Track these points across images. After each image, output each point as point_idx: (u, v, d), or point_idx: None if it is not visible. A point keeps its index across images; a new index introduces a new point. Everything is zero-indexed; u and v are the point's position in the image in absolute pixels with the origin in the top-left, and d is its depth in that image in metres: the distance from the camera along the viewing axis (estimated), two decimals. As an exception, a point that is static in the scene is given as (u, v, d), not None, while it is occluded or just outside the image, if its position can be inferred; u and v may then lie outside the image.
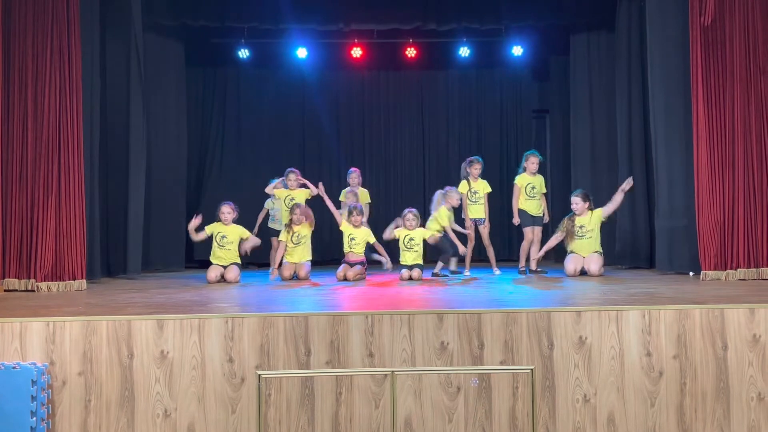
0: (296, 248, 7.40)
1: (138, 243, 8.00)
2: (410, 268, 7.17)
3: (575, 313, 4.32)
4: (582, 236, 7.34)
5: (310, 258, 7.54)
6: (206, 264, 7.67)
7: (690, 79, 6.76)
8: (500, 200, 8.93)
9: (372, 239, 7.41)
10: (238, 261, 7.29)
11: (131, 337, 4.22)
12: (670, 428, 4.27)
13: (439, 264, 7.46)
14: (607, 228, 8.71)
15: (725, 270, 6.58)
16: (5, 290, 6.33)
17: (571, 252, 7.42)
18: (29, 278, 6.37)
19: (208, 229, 7.32)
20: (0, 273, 6.33)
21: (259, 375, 4.22)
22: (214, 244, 7.28)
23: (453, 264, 7.63)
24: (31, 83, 6.43)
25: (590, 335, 4.30)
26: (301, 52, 9.74)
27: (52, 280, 6.37)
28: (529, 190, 7.82)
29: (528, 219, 7.85)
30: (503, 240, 10.02)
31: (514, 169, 10.37)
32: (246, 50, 9.68)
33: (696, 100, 6.68)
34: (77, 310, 4.82)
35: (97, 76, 7.27)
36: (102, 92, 7.46)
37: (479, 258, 8.37)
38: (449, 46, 10.02)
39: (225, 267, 7.18)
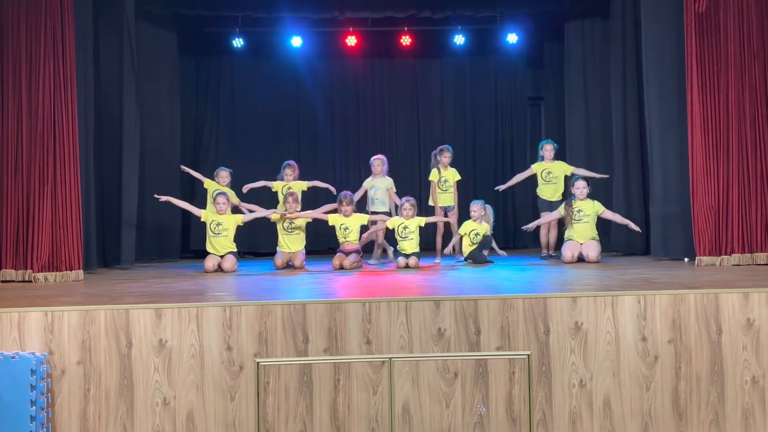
0: (290, 237, 7.40)
1: (133, 233, 8.00)
2: (407, 256, 7.20)
3: (571, 299, 4.35)
4: (579, 220, 7.36)
5: (304, 247, 7.55)
6: (202, 254, 7.67)
7: (684, 66, 6.78)
8: (494, 187, 8.94)
9: (365, 220, 7.47)
10: (234, 249, 7.29)
11: (129, 326, 4.23)
12: (665, 412, 4.31)
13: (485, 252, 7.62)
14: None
15: (720, 255, 6.62)
16: (2, 281, 6.33)
17: (569, 239, 7.45)
18: (26, 269, 6.37)
19: (204, 215, 7.31)
20: (-3, 264, 6.34)
21: (258, 363, 4.24)
22: (209, 232, 7.25)
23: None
24: (24, 74, 6.40)
25: (586, 321, 4.33)
26: (296, 41, 9.71)
27: (48, 271, 6.37)
28: (545, 175, 7.99)
29: (545, 204, 7.93)
30: (507, 228, 10.07)
31: (509, 156, 10.46)
32: (240, 39, 9.65)
33: (690, 86, 6.71)
34: (75, 299, 4.83)
35: (91, 67, 7.25)
36: (96, 82, 7.43)
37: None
38: (444, 33, 10.01)
39: (221, 256, 7.18)
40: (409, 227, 7.27)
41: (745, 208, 6.66)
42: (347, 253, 7.30)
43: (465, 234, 7.53)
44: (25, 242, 6.39)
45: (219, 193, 7.36)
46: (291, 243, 7.42)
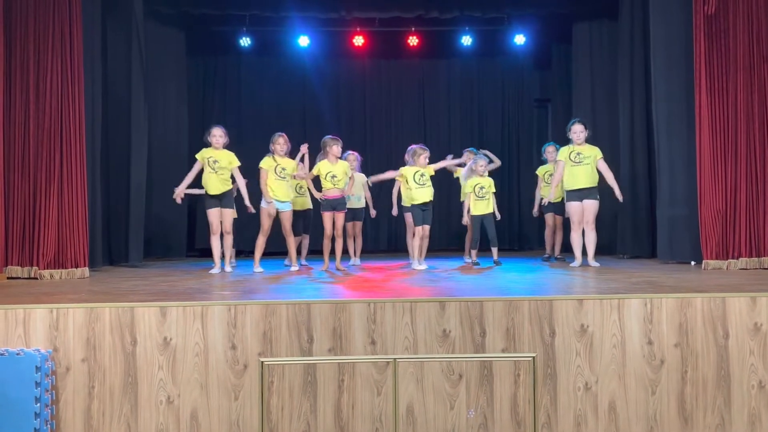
0: (280, 183, 7.02)
1: (139, 231, 8.02)
2: (424, 206, 7.12)
3: (577, 301, 4.32)
4: (579, 162, 7.04)
5: (291, 199, 7.17)
6: (207, 252, 7.65)
7: (693, 68, 6.75)
8: (501, 189, 8.95)
9: (347, 168, 7.13)
10: (230, 187, 6.95)
11: (134, 324, 4.23)
12: (670, 416, 4.29)
13: (495, 250, 7.49)
14: (609, 217, 8.74)
15: (727, 259, 6.59)
16: (8, 278, 6.35)
17: (568, 190, 7.10)
18: (32, 266, 6.40)
19: (199, 156, 6.90)
20: (3, 261, 6.36)
21: (262, 362, 4.23)
22: (207, 169, 6.85)
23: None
24: (32, 71, 6.43)
25: (592, 323, 4.31)
26: (303, 41, 9.73)
27: (54, 268, 6.39)
28: (547, 178, 7.97)
29: (549, 205, 7.86)
30: (512, 231, 10.05)
31: (516, 157, 10.44)
32: (247, 38, 9.67)
33: (699, 88, 6.68)
34: (80, 297, 4.83)
35: (99, 64, 7.27)
36: (103, 80, 7.46)
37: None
38: (451, 34, 10.00)
39: (220, 199, 6.87)
40: (425, 174, 7.18)
41: (753, 211, 6.63)
42: (332, 204, 6.99)
43: (471, 190, 7.45)
44: (31, 239, 6.41)
45: (215, 126, 6.98)
46: (280, 190, 7.01)
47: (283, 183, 7.06)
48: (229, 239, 7.01)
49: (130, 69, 7.90)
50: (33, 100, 6.42)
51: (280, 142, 7.10)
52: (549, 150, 8.08)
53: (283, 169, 7.06)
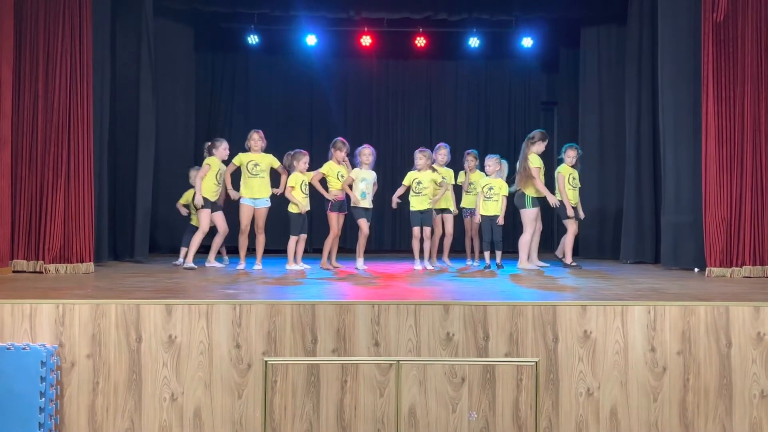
0: (254, 180, 7.00)
1: (145, 227, 8.04)
2: (421, 213, 7.16)
3: (581, 307, 4.34)
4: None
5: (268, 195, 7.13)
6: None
7: (700, 75, 6.75)
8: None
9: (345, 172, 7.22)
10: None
11: (140, 321, 4.26)
12: (672, 423, 4.30)
13: (499, 254, 7.40)
14: (613, 223, 8.74)
15: (730, 267, 6.59)
16: (13, 271, 6.38)
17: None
18: (37, 260, 6.42)
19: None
20: (9, 254, 6.39)
21: (266, 361, 4.25)
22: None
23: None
24: (42, 66, 6.45)
25: (595, 329, 4.32)
26: (311, 40, 9.75)
27: (60, 262, 6.42)
28: (572, 180, 7.58)
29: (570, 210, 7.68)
30: (517, 234, 10.02)
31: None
32: (255, 36, 9.69)
33: (706, 95, 6.67)
34: (86, 292, 4.86)
35: (108, 60, 7.29)
36: (112, 76, 7.48)
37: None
38: (459, 36, 10.01)
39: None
40: (422, 182, 7.19)
41: (758, 220, 6.62)
42: (339, 206, 7.13)
43: (480, 190, 7.40)
44: (37, 234, 6.44)
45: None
46: (257, 188, 6.98)
47: (262, 181, 7.06)
48: (200, 236, 7.16)
49: (138, 65, 7.92)
50: (42, 94, 6.44)
51: (255, 138, 7.09)
52: (569, 153, 7.58)
53: (256, 165, 7.03)
